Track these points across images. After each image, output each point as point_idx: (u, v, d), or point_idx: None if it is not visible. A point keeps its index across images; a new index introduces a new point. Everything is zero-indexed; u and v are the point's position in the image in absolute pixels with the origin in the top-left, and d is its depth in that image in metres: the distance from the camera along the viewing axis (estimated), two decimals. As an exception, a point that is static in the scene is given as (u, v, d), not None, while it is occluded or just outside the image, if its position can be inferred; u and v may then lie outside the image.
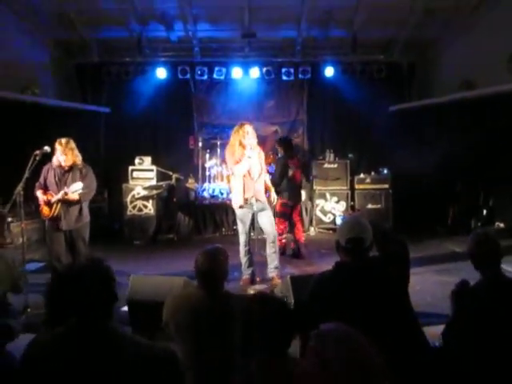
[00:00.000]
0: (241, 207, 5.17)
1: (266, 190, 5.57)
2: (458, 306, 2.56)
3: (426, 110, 8.73)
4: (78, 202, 4.81)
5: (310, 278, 3.90)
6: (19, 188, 4.37)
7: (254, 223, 5.34)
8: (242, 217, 5.22)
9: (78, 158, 4.90)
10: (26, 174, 4.49)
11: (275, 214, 6.47)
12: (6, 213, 5.94)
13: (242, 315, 2.00)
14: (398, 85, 9.86)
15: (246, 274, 5.36)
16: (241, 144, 5.14)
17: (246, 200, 5.12)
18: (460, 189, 8.25)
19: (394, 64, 9.70)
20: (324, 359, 1.12)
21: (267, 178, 5.66)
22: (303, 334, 2.35)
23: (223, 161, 9.20)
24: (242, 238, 5.31)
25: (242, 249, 5.35)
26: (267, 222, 5.29)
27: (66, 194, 4.68)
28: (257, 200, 5.17)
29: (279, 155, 6.92)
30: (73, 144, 4.86)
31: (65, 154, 4.75)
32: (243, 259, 5.36)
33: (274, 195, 5.63)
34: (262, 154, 5.44)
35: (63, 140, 4.80)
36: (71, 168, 4.84)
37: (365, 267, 2.44)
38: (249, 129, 5.18)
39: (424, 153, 8.01)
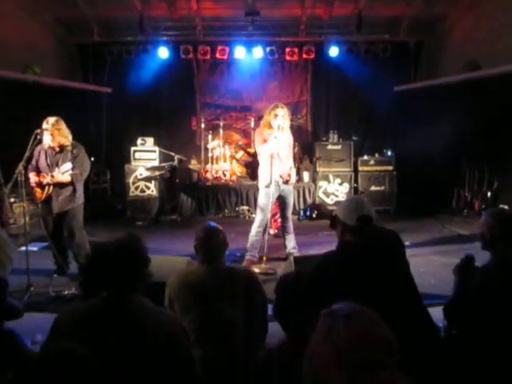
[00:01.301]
0: (267, 187, 5.17)
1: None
2: (464, 281, 2.52)
3: (432, 90, 8.60)
4: (71, 183, 4.69)
5: (313, 258, 3.90)
6: (20, 167, 4.30)
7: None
8: (266, 197, 5.19)
9: (67, 139, 4.73)
10: (27, 153, 4.43)
11: None
12: (8, 193, 5.89)
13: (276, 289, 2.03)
14: (404, 64, 9.69)
15: (250, 254, 5.33)
16: (269, 125, 5.17)
17: (272, 179, 5.14)
18: (464, 171, 8.18)
19: (399, 43, 9.52)
20: (335, 338, 1.09)
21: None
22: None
23: (226, 142, 9.17)
24: (259, 217, 5.29)
25: (255, 228, 5.31)
26: (288, 203, 5.38)
27: (53, 176, 4.56)
28: (283, 180, 5.26)
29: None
30: (62, 124, 4.70)
31: (51, 133, 4.60)
32: (253, 238, 5.32)
33: (294, 176, 5.59)
34: (291, 137, 5.49)
35: (51, 119, 4.64)
36: (62, 149, 4.71)
37: (375, 245, 2.42)
38: (280, 111, 5.18)
39: (429, 134, 7.91)
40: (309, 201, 8.50)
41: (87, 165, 4.85)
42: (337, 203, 8.17)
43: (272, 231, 6.74)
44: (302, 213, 8.08)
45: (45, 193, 4.68)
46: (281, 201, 5.40)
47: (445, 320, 3.06)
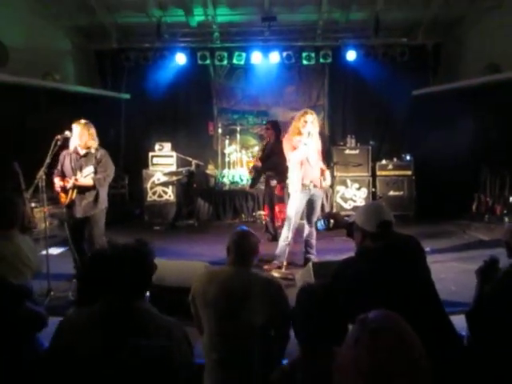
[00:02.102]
0: (298, 192, 5.18)
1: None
2: (487, 283, 2.45)
3: (451, 94, 8.48)
4: (94, 187, 4.69)
5: (331, 264, 3.86)
6: (41, 173, 4.36)
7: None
8: (298, 202, 5.21)
9: (95, 142, 4.76)
10: (48, 159, 4.47)
11: (277, 199, 6.77)
12: (29, 198, 5.97)
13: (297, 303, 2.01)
14: (422, 68, 9.59)
15: (278, 260, 5.30)
16: (299, 132, 5.21)
17: (304, 186, 5.18)
18: (485, 175, 8.03)
19: (417, 46, 9.43)
20: (358, 353, 1.07)
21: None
22: None
23: (243, 147, 9.19)
24: (290, 223, 5.26)
25: (285, 234, 5.30)
26: (316, 208, 5.40)
27: (76, 179, 4.57)
28: (314, 186, 5.28)
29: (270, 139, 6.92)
30: (92, 127, 4.75)
31: (82, 133, 4.63)
32: (282, 243, 5.31)
33: (329, 178, 5.58)
34: (320, 142, 5.50)
35: (82, 121, 4.70)
36: (87, 153, 4.72)
37: (394, 251, 2.38)
38: (310, 118, 5.21)
39: (448, 138, 7.80)
40: (326, 205, 8.45)
41: (111, 170, 4.84)
42: (355, 208, 8.09)
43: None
44: (320, 224, 7.88)
45: (68, 197, 4.68)
46: (309, 205, 5.38)
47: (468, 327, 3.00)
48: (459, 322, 3.05)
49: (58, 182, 4.71)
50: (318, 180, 5.37)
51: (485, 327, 2.34)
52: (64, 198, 4.72)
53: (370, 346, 1.07)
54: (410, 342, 1.11)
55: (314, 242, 5.45)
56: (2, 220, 3.01)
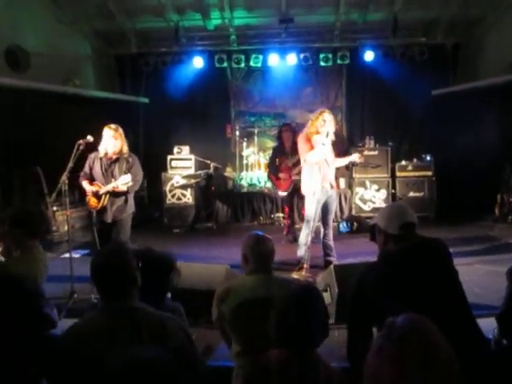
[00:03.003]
0: (315, 194, 5.10)
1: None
2: None
3: (471, 93, 8.36)
4: (125, 193, 4.74)
5: (353, 267, 3.83)
6: (64, 177, 4.40)
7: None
8: (315, 203, 5.11)
9: (126, 146, 4.80)
10: (70, 164, 4.51)
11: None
12: (52, 202, 6.06)
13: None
14: (442, 68, 9.48)
15: (303, 262, 5.16)
16: (317, 131, 5.14)
17: (322, 187, 5.11)
18: (508, 176, 7.88)
19: (437, 46, 9.31)
20: (381, 361, 1.06)
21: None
22: (354, 330, 2.28)
23: (260, 149, 9.19)
24: (310, 224, 5.17)
25: (305, 236, 5.24)
26: (332, 209, 5.37)
27: (117, 187, 4.60)
28: (331, 187, 5.25)
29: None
30: (121, 130, 4.79)
31: (115, 137, 4.66)
32: (303, 246, 5.24)
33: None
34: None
35: (113, 125, 4.73)
36: (118, 158, 4.74)
37: (418, 252, 2.32)
38: (327, 117, 5.14)
39: (469, 138, 7.69)
40: (345, 207, 8.39)
41: (140, 176, 4.90)
42: (374, 210, 8.02)
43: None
44: (342, 226, 7.80)
45: (101, 202, 4.70)
46: (324, 207, 5.29)
47: (495, 331, 2.95)
48: (483, 325, 3.00)
49: (88, 187, 4.74)
50: (334, 181, 5.34)
51: None
52: (95, 203, 4.73)
53: (394, 357, 1.05)
54: (436, 344, 1.09)
55: (332, 243, 5.38)
56: (28, 230, 3.08)
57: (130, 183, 4.64)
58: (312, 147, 5.14)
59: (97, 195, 4.71)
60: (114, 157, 4.75)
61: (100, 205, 4.71)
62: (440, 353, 1.08)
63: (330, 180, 5.25)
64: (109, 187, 4.64)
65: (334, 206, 5.42)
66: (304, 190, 5.34)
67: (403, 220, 2.35)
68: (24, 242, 3.05)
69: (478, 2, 8.14)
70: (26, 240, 3.07)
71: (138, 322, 1.88)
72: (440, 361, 1.08)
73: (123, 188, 4.67)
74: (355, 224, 7.61)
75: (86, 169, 4.81)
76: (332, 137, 5.22)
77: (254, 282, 2.54)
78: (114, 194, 4.72)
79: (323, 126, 5.09)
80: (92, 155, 4.80)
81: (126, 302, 1.95)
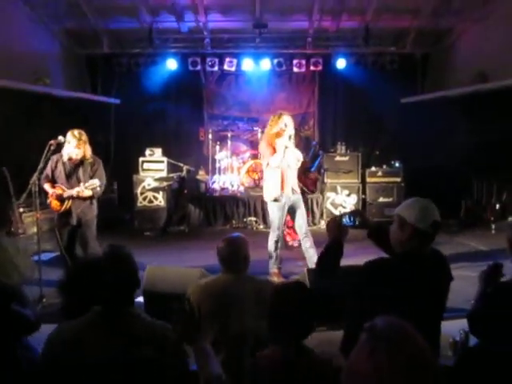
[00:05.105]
0: (276, 200, 5.00)
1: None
2: (489, 288, 2.39)
3: (439, 102, 8.62)
4: (90, 197, 4.73)
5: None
6: (34, 178, 4.32)
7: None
8: (279, 210, 5.02)
9: (89, 151, 4.79)
10: (41, 164, 4.44)
11: None
12: (21, 203, 5.90)
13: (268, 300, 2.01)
14: (411, 76, 9.76)
15: (275, 268, 5.14)
16: (279, 134, 5.03)
17: (285, 193, 4.97)
18: (473, 183, 8.16)
19: (406, 55, 9.58)
20: (379, 361, 1.08)
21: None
22: (351, 328, 2.30)
23: (233, 153, 9.20)
24: (276, 233, 5.08)
25: (273, 244, 5.11)
26: (300, 214, 5.17)
27: (82, 191, 4.58)
28: (293, 191, 5.11)
29: None
30: (85, 136, 4.74)
31: (78, 147, 4.63)
32: (273, 254, 5.12)
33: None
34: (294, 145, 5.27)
35: (76, 132, 4.66)
36: (82, 162, 4.72)
37: (439, 258, 2.32)
38: (287, 119, 5.06)
39: (437, 146, 7.92)
40: (316, 212, 8.50)
41: (104, 179, 4.90)
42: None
43: (295, 243, 6.62)
44: (345, 220, 7.73)
45: (64, 206, 4.67)
46: (291, 213, 5.21)
47: (461, 333, 3.04)
48: (450, 327, 3.09)
49: (50, 189, 4.68)
50: (297, 185, 5.23)
51: (486, 330, 2.27)
52: (58, 206, 4.69)
53: (391, 356, 1.08)
54: (422, 345, 1.13)
55: (312, 250, 5.07)
56: None
57: (98, 188, 4.62)
58: (274, 151, 5.03)
59: (60, 198, 4.66)
60: (78, 160, 4.73)
61: (63, 208, 4.68)
62: (422, 356, 1.12)
63: (293, 185, 5.12)
64: (73, 191, 4.60)
65: (301, 212, 5.18)
66: (265, 196, 5.21)
67: (435, 217, 2.25)
68: None
69: (446, 14, 8.41)
70: None
71: (135, 329, 1.86)
72: (422, 365, 1.11)
73: (88, 193, 4.64)
74: (358, 218, 7.63)
75: (48, 171, 4.73)
76: (293, 139, 5.14)
77: (224, 281, 2.63)
78: (79, 198, 4.68)
79: (286, 129, 5.00)
80: (54, 157, 4.73)
81: (127, 307, 1.92)
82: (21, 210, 7.02)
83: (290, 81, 10.01)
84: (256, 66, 9.47)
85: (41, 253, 4.62)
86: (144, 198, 8.39)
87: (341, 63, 9.37)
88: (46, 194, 4.80)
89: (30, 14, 7.96)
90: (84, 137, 4.70)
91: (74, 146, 4.62)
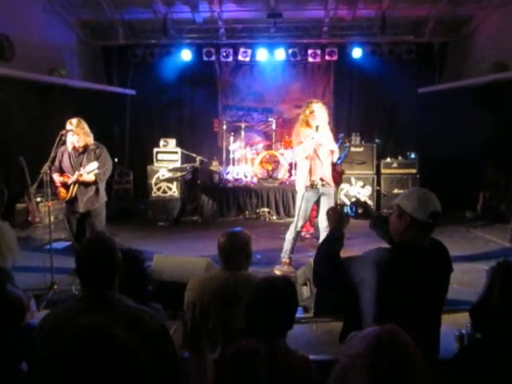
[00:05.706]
0: (303, 190, 4.86)
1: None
2: (496, 286, 2.36)
3: (457, 92, 8.44)
4: (95, 182, 4.77)
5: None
6: (45, 167, 4.39)
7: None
8: (303, 200, 4.87)
9: (90, 138, 4.81)
10: (52, 154, 4.52)
11: None
12: (34, 192, 6.02)
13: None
14: (429, 66, 9.56)
15: (286, 257, 5.07)
16: (307, 124, 4.91)
17: (312, 183, 4.83)
18: (490, 175, 7.99)
19: (424, 44, 9.38)
20: (377, 370, 1.08)
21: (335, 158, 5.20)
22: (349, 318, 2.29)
23: (247, 143, 9.19)
24: (300, 222, 4.96)
25: (293, 232, 5.00)
26: (325, 208, 4.89)
27: (80, 175, 4.64)
28: (324, 184, 4.92)
29: None
30: (84, 124, 4.78)
31: (76, 133, 4.68)
32: (290, 243, 5.02)
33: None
34: (331, 135, 5.11)
35: (74, 120, 4.72)
36: (85, 149, 4.78)
37: (440, 250, 2.30)
38: (316, 107, 4.87)
39: (453, 137, 7.77)
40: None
41: (109, 165, 4.92)
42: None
43: (307, 234, 6.67)
44: (347, 210, 7.69)
45: (69, 193, 4.75)
46: (319, 203, 5.04)
47: (468, 325, 3.00)
48: (459, 319, 3.06)
49: (57, 178, 4.77)
50: (329, 177, 5.00)
51: (488, 324, 2.26)
52: (64, 194, 4.79)
53: (389, 352, 1.08)
54: (410, 356, 1.13)
55: None
56: None
57: (96, 171, 4.67)
58: (300, 141, 4.92)
59: (65, 185, 4.75)
60: (81, 148, 4.79)
61: (69, 195, 4.76)
62: (412, 365, 1.12)
63: (323, 177, 4.92)
64: (74, 177, 4.68)
65: (325, 203, 4.92)
66: (296, 185, 5.15)
67: (434, 208, 2.23)
68: None
69: (466, 0, 8.21)
70: None
71: (114, 312, 1.87)
72: (412, 373, 1.11)
73: (89, 177, 4.70)
74: (360, 208, 7.58)
75: (56, 162, 4.83)
76: (326, 129, 4.94)
77: (220, 277, 2.58)
78: (84, 185, 4.76)
79: (312, 119, 4.84)
80: (61, 149, 4.81)
81: (107, 292, 1.94)
82: (38, 199, 7.16)
83: (304, 71, 9.91)
84: (270, 56, 9.40)
85: (55, 241, 4.71)
86: (158, 189, 8.46)
87: (356, 53, 9.23)
88: (55, 184, 4.88)
89: (46, 5, 8.03)
90: (81, 124, 4.74)
91: (71, 133, 4.69)
